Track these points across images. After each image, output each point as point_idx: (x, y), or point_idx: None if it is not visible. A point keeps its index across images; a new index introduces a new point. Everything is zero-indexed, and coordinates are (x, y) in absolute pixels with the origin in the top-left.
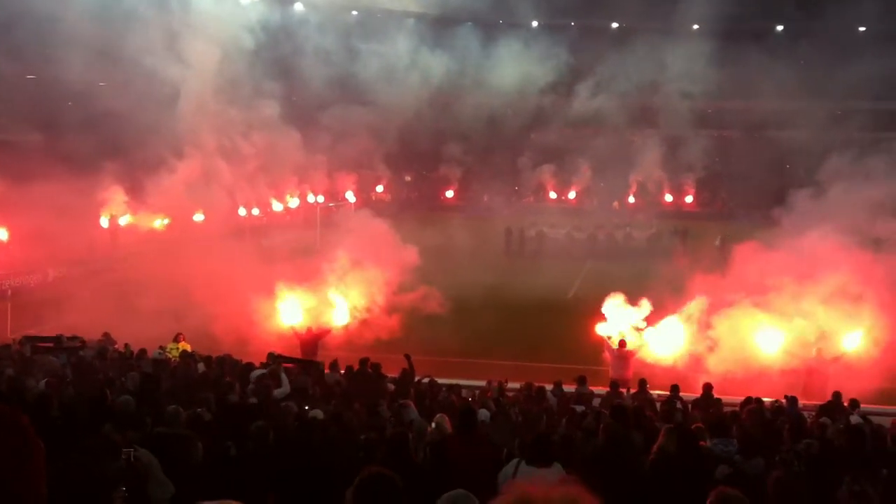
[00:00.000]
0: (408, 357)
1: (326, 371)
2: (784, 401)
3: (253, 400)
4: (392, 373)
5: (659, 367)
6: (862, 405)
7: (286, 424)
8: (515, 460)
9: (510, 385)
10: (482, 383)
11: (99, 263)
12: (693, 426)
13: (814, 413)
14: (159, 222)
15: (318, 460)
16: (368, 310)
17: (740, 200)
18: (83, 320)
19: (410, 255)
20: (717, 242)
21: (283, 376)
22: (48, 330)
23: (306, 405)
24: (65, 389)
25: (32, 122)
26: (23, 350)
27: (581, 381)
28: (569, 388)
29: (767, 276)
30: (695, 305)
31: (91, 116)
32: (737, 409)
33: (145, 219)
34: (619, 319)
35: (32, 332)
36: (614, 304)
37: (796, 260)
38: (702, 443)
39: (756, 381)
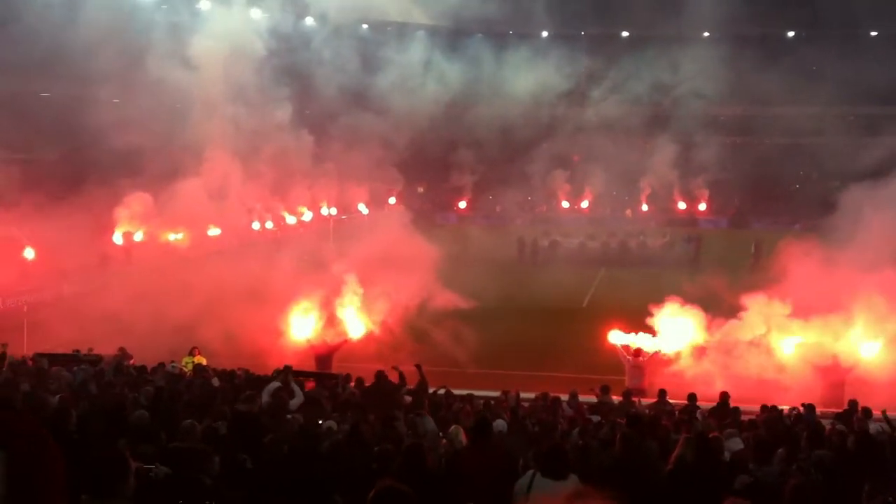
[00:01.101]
0: (419, 367)
1: (351, 384)
2: (801, 408)
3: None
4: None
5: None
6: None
7: (289, 436)
8: (531, 472)
9: (525, 395)
10: (497, 393)
11: (113, 279)
12: (710, 435)
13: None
14: (174, 237)
15: (323, 471)
16: (383, 321)
17: (752, 207)
18: (98, 335)
19: (425, 266)
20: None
21: (296, 387)
22: (63, 346)
23: (321, 417)
24: (80, 404)
25: (46, 139)
26: (39, 365)
27: (604, 390)
28: (585, 398)
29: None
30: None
31: (104, 134)
32: (754, 417)
33: (160, 234)
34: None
35: (47, 348)
36: (671, 317)
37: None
38: None
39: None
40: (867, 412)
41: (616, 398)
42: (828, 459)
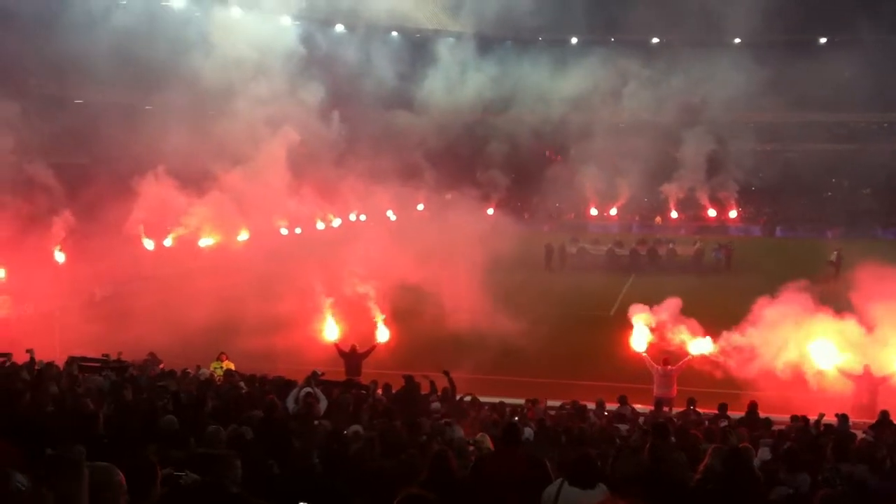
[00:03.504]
0: (447, 373)
1: (379, 391)
2: (835, 418)
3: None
4: (426, 390)
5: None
6: None
7: (317, 442)
8: (559, 481)
9: (550, 403)
10: (521, 401)
11: (144, 283)
12: (741, 445)
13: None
14: (204, 242)
15: (349, 478)
16: (411, 327)
17: (784, 215)
18: (129, 340)
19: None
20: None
21: (320, 393)
22: (94, 350)
23: (347, 424)
24: (106, 408)
25: (79, 144)
26: (70, 370)
27: (622, 400)
28: (612, 406)
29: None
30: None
31: (136, 138)
32: (783, 427)
33: (190, 238)
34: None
35: (78, 353)
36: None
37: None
38: None
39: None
40: None
41: (642, 407)
42: (858, 472)
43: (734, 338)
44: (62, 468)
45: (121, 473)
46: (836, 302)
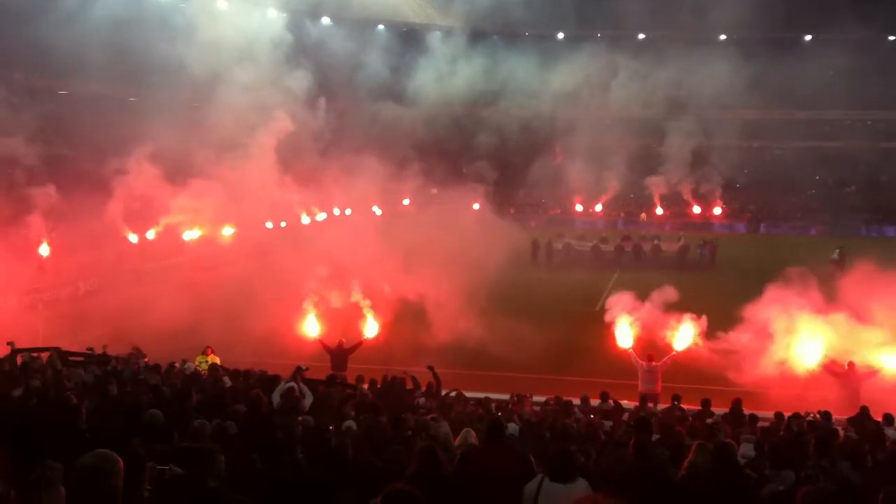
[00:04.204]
0: (431, 369)
1: (365, 385)
2: (818, 415)
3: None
4: (410, 385)
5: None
6: None
7: (299, 437)
8: (539, 476)
9: (536, 398)
10: (506, 397)
11: (128, 276)
12: (725, 441)
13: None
14: (188, 235)
15: (334, 473)
16: (397, 322)
17: (769, 211)
18: (112, 333)
19: (438, 267)
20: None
21: (305, 388)
22: (78, 343)
23: (331, 420)
24: (88, 402)
25: (63, 136)
26: (52, 363)
27: (603, 396)
28: (594, 402)
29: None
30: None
31: (120, 129)
32: (766, 424)
33: (175, 231)
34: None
35: (63, 345)
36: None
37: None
38: None
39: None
40: (889, 418)
41: (628, 403)
42: (840, 468)
43: (720, 334)
44: (37, 485)
45: (120, 460)
46: (829, 299)
